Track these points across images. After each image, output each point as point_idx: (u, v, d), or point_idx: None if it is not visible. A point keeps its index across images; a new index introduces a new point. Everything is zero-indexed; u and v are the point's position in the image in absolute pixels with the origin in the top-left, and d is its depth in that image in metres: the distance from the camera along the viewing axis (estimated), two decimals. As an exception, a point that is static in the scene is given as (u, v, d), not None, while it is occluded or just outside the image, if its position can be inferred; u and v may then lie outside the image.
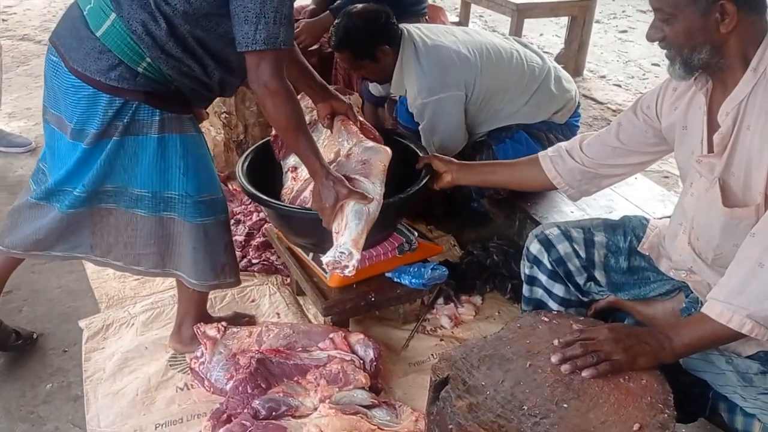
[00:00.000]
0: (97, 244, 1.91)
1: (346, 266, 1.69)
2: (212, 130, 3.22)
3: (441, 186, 2.08)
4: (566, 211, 2.50)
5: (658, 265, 1.71)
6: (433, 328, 2.34)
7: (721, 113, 1.41)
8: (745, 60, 1.37)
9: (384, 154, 2.01)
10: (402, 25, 2.56)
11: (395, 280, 2.19)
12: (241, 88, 1.86)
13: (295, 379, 1.92)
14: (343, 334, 2.05)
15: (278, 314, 2.36)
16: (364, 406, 1.81)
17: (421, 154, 2.19)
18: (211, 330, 2.06)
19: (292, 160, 2.18)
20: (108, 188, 1.81)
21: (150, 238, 1.87)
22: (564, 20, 5.47)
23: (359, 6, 2.57)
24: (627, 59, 5.87)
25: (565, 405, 1.29)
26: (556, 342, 1.45)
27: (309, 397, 1.85)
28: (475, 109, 2.57)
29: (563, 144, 1.87)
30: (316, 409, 1.79)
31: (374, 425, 1.74)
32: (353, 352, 2.00)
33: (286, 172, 2.20)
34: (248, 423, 1.71)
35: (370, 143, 2.04)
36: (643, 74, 5.50)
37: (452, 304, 2.42)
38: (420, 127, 2.58)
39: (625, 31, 6.74)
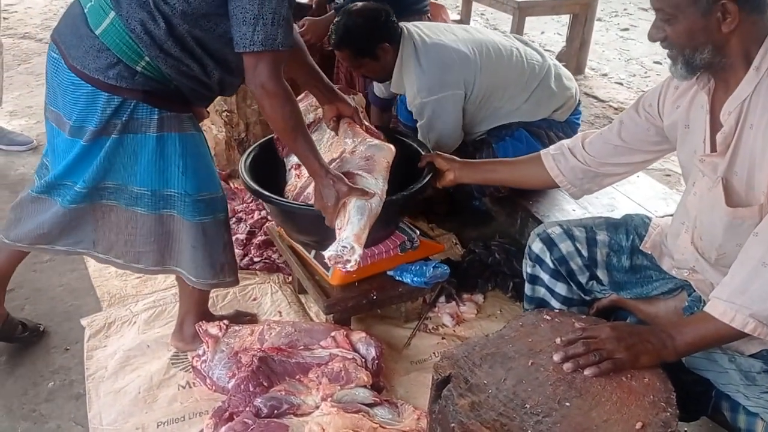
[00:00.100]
0: (100, 241, 1.92)
1: (348, 261, 1.69)
2: (213, 129, 3.22)
3: (444, 184, 2.07)
4: (568, 209, 2.49)
5: (661, 263, 1.71)
6: (434, 327, 2.34)
7: (724, 112, 1.41)
8: (747, 59, 1.37)
9: (388, 151, 2.01)
10: (402, 24, 2.56)
11: (397, 278, 2.19)
12: (242, 86, 1.87)
13: (297, 377, 1.92)
14: (344, 333, 2.05)
15: (280, 312, 2.37)
16: (366, 405, 1.81)
17: (422, 153, 2.18)
18: (213, 328, 2.06)
19: (296, 157, 2.18)
20: (109, 185, 1.82)
21: (150, 236, 1.88)
22: (565, 18, 5.46)
23: (359, 4, 2.57)
24: (628, 57, 5.87)
25: (568, 403, 1.29)
26: (558, 340, 1.44)
27: (311, 395, 1.85)
28: (475, 107, 2.57)
29: (565, 142, 1.87)
30: (317, 407, 1.79)
31: (376, 423, 1.74)
32: (355, 350, 2.01)
33: (290, 170, 2.20)
34: (250, 421, 1.71)
35: (375, 141, 2.04)
36: (645, 72, 5.49)
37: (454, 303, 2.42)
38: (418, 125, 2.58)
39: (626, 29, 6.73)
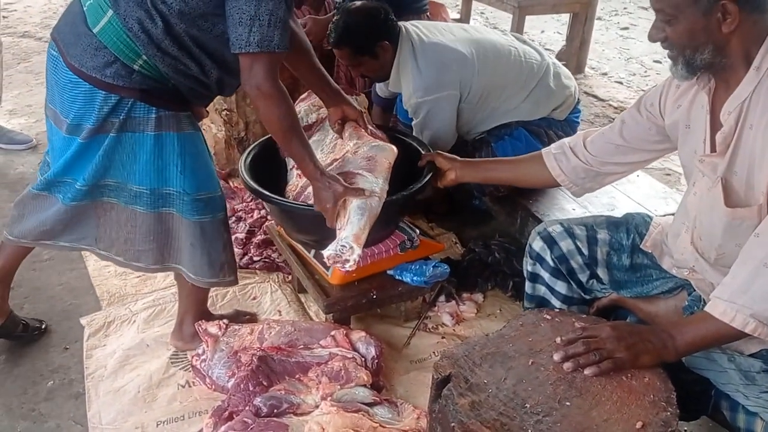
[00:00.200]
0: (102, 238, 1.93)
1: (347, 260, 1.69)
2: (213, 128, 3.22)
3: (445, 184, 2.07)
4: (568, 208, 2.49)
5: (661, 262, 1.71)
6: (434, 326, 2.33)
7: (724, 112, 1.41)
8: (748, 59, 1.36)
9: (390, 151, 2.01)
10: (400, 23, 2.55)
11: (397, 277, 2.19)
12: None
13: (297, 376, 1.92)
14: (344, 332, 2.05)
15: (279, 312, 2.36)
16: (366, 404, 1.81)
17: (422, 152, 2.18)
18: (213, 327, 2.06)
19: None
20: (109, 182, 1.82)
21: (149, 234, 1.88)
22: (565, 17, 5.46)
23: (358, 2, 2.57)
24: (628, 56, 5.86)
25: (568, 403, 1.29)
26: (558, 340, 1.44)
27: (310, 394, 1.85)
28: (474, 106, 2.57)
29: (567, 141, 1.86)
30: (317, 406, 1.79)
31: (376, 423, 1.73)
32: (355, 349, 2.00)
33: (291, 169, 2.19)
34: (250, 420, 1.71)
35: (377, 141, 2.04)
36: (645, 71, 5.49)
37: (454, 302, 2.42)
38: (413, 123, 2.58)
39: (626, 28, 6.73)
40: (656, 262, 1.72)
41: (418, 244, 2.23)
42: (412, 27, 2.56)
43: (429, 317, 2.37)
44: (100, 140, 1.75)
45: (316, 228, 1.89)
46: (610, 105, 4.66)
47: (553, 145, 1.90)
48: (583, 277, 1.76)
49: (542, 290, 1.80)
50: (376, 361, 1.99)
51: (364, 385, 1.88)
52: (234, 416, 1.77)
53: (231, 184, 3.17)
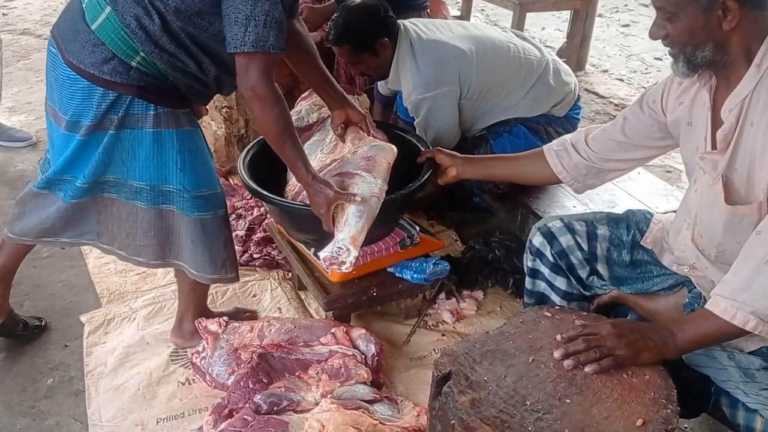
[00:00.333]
0: (103, 233, 1.93)
1: (344, 262, 1.69)
2: (213, 125, 3.21)
3: (446, 181, 2.06)
4: (568, 205, 2.49)
5: (661, 259, 1.71)
6: (434, 323, 2.33)
7: (725, 110, 1.40)
8: (749, 56, 1.36)
9: (389, 152, 2.01)
10: (399, 21, 2.55)
11: (397, 275, 2.19)
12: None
13: (297, 374, 1.92)
14: (344, 329, 2.05)
15: (280, 309, 2.36)
16: (366, 401, 1.81)
17: (422, 148, 2.18)
18: (213, 325, 2.06)
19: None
20: (110, 178, 1.82)
21: (150, 230, 1.88)
22: (566, 14, 5.45)
23: (357, 0, 2.56)
24: (629, 53, 5.85)
25: (568, 400, 1.29)
26: (558, 337, 1.44)
27: (310, 392, 1.85)
28: (473, 103, 2.56)
29: (568, 137, 1.86)
30: (317, 404, 1.79)
31: (376, 420, 1.74)
32: (355, 347, 2.00)
33: (292, 169, 2.19)
34: (250, 418, 1.71)
35: (377, 141, 2.04)
36: (646, 68, 5.48)
37: (454, 299, 2.42)
38: (415, 122, 2.58)
39: (627, 25, 6.72)
40: (656, 258, 1.72)
41: (418, 242, 2.23)
42: (411, 25, 2.56)
43: (429, 314, 2.36)
44: (99, 137, 1.75)
45: (315, 227, 1.89)
46: (611, 102, 4.65)
47: (554, 142, 1.89)
48: (582, 273, 1.76)
49: (542, 286, 1.80)
50: (376, 358, 1.99)
51: (364, 383, 1.89)
52: (234, 413, 1.77)
53: (231, 181, 3.17)
